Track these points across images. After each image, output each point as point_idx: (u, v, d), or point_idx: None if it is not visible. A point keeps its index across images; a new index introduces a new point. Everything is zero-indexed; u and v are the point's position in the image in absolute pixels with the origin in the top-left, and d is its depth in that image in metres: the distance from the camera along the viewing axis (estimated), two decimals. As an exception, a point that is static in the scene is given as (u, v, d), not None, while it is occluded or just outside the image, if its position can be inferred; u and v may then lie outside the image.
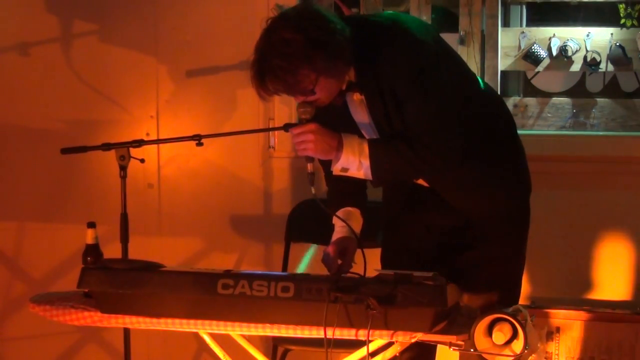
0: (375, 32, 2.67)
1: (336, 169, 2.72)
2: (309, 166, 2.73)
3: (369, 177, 2.71)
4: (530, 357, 2.50)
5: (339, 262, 2.80)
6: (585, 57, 3.89)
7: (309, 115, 2.67)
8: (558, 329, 3.68)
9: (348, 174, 2.73)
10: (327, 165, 2.78)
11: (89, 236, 2.95)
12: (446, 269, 2.94)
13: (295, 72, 2.56)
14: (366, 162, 2.68)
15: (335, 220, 2.89)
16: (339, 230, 2.89)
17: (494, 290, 2.89)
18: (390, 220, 3.04)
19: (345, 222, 2.83)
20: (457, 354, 2.74)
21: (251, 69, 2.62)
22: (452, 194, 2.85)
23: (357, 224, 2.90)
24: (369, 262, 2.81)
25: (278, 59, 2.55)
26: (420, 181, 2.85)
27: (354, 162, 2.69)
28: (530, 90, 4.12)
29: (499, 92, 3.87)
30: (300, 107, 2.68)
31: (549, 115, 4.02)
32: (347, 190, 2.89)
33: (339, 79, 2.66)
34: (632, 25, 3.87)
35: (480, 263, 2.90)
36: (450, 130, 2.69)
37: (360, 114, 2.77)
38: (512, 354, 2.46)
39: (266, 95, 2.64)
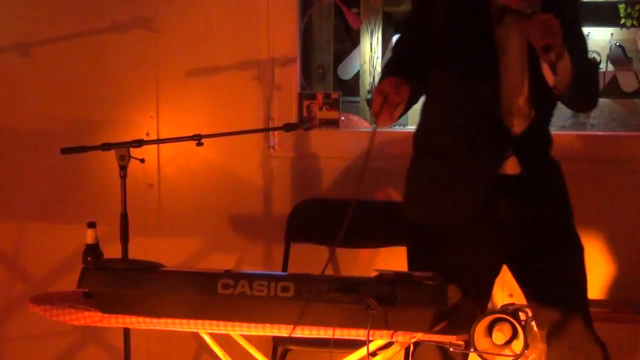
0: None
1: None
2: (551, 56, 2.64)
3: (564, 74, 2.67)
4: (530, 357, 2.50)
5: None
6: (585, 57, 3.90)
7: (537, 8, 2.67)
8: (558, 329, 3.67)
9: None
10: (409, 27, 2.86)
11: (89, 236, 2.95)
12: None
13: None
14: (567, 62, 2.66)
15: (385, 71, 2.83)
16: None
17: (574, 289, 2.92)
18: (447, 233, 2.83)
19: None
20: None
21: None
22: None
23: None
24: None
25: None
26: (510, 168, 2.84)
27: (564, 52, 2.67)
28: (530, 90, 4.11)
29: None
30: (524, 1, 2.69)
31: (549, 115, 4.01)
32: (407, 61, 2.83)
33: None
34: (632, 25, 3.87)
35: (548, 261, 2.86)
36: None
37: (513, 39, 2.77)
38: (512, 354, 2.46)
39: None
